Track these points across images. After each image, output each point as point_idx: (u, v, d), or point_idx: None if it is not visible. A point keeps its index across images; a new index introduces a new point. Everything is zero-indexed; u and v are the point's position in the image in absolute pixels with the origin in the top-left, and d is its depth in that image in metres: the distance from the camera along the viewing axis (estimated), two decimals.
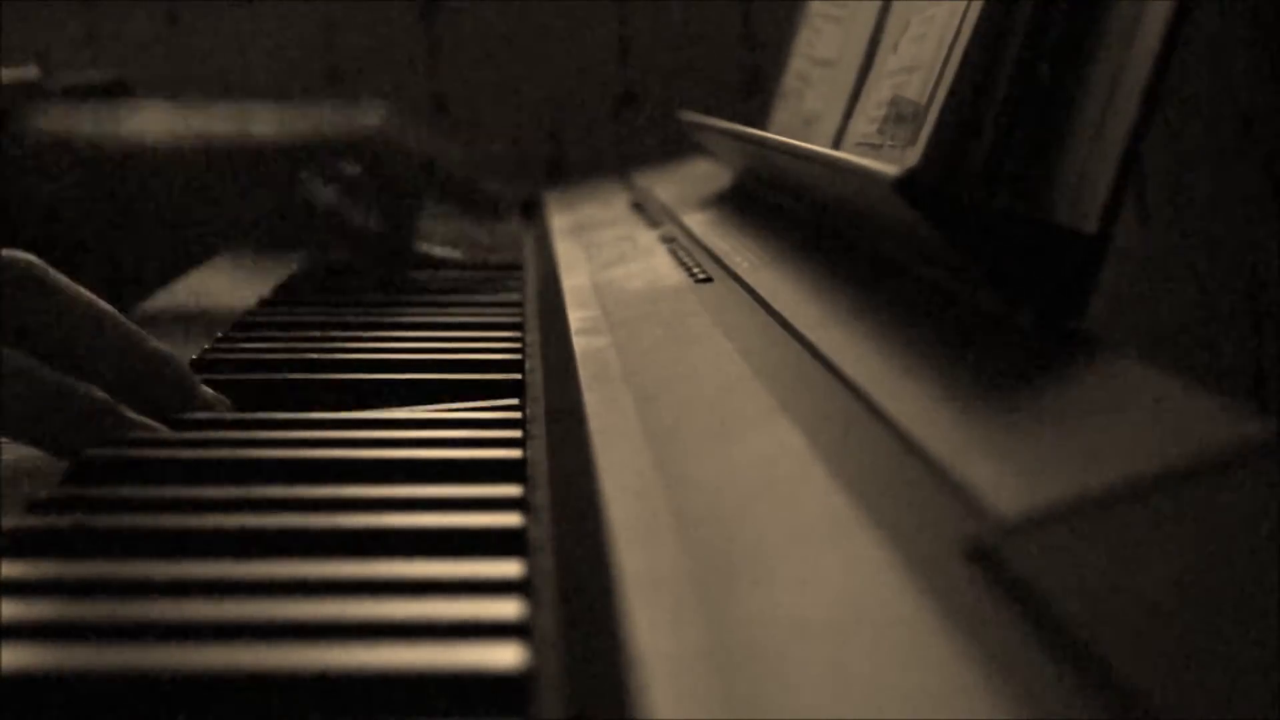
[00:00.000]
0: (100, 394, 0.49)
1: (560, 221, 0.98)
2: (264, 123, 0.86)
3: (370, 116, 0.88)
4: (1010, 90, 0.48)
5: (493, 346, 0.64)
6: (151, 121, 0.85)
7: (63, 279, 0.50)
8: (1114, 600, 0.25)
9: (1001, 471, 0.32)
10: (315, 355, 0.63)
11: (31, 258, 0.50)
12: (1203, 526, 0.27)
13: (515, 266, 0.91)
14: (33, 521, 0.41)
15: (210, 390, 0.53)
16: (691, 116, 0.92)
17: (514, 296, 0.79)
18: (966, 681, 0.24)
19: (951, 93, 0.51)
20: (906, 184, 0.43)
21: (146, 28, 1.43)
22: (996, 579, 0.27)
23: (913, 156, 0.52)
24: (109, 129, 0.84)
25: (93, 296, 0.51)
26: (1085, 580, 0.26)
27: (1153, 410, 0.33)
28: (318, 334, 0.68)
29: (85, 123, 0.84)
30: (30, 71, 0.84)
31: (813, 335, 0.47)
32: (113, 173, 0.82)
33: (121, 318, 0.51)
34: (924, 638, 0.26)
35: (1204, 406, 0.32)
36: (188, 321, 0.76)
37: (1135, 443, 0.31)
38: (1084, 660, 0.24)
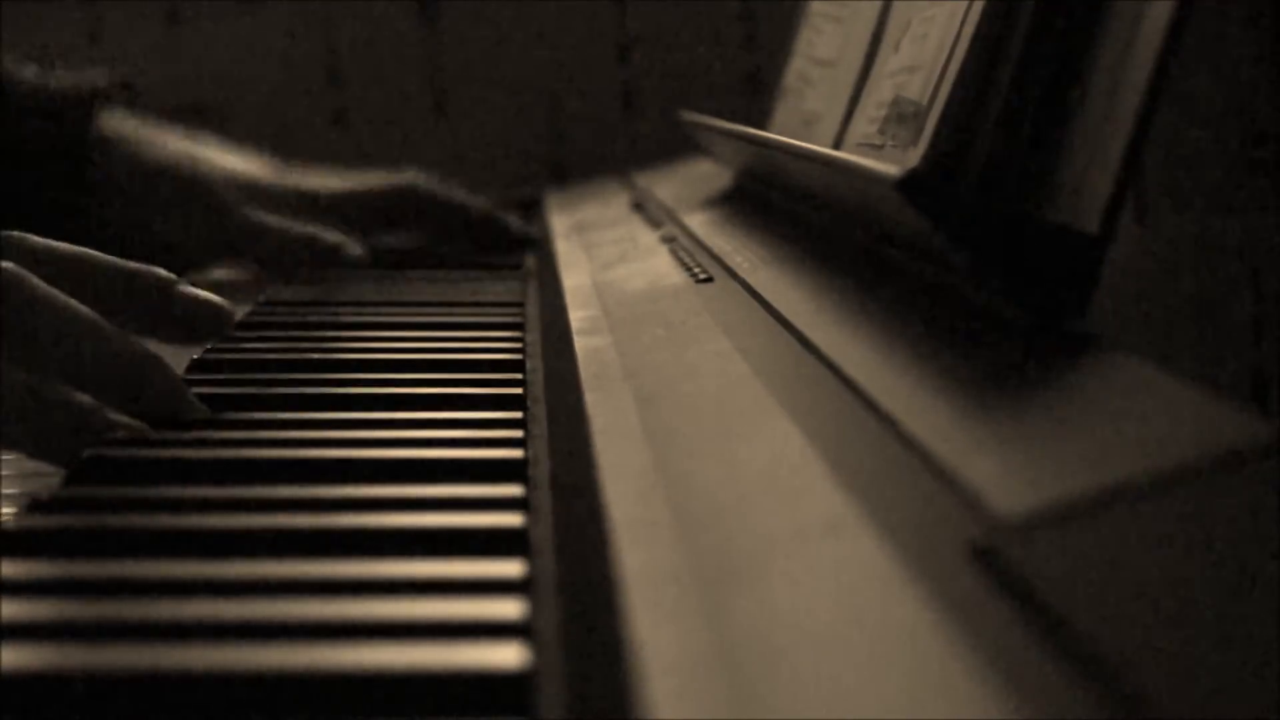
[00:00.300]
0: (83, 398, 0.48)
1: (561, 222, 0.98)
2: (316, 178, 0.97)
3: (407, 175, 0.99)
4: (1012, 90, 0.48)
5: (494, 346, 0.64)
6: (226, 160, 0.93)
7: (41, 285, 0.50)
8: (1115, 600, 0.25)
9: (1002, 471, 0.32)
10: (316, 355, 0.63)
11: (9, 265, 0.49)
12: (1203, 526, 0.27)
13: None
14: (33, 521, 0.41)
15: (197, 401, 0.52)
16: (692, 116, 0.91)
17: (515, 296, 0.79)
18: (967, 681, 0.24)
19: (953, 93, 0.51)
20: (908, 184, 0.43)
21: (146, 28, 1.43)
22: (997, 579, 0.27)
23: (914, 157, 0.52)
24: (183, 155, 0.90)
25: (76, 303, 0.50)
26: (1086, 580, 0.26)
27: (1153, 410, 0.33)
28: (319, 334, 0.68)
29: (161, 146, 0.90)
30: (100, 75, 0.88)
31: (813, 335, 0.47)
32: (185, 199, 0.89)
33: (105, 322, 0.50)
34: (925, 637, 0.26)
35: (1204, 406, 0.32)
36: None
37: (1135, 443, 0.31)
38: (1085, 660, 0.24)
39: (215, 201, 0.89)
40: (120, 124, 0.89)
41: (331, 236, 0.91)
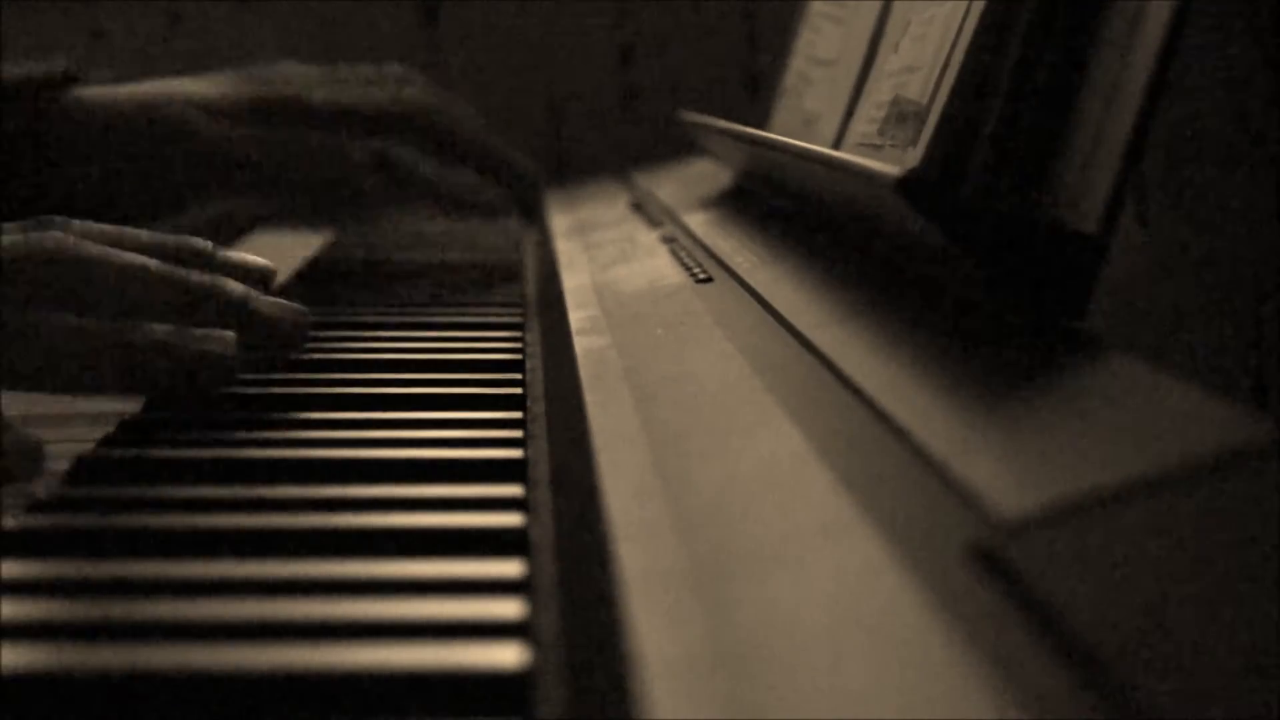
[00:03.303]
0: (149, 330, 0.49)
1: (560, 221, 0.98)
2: (311, 86, 0.88)
3: (412, 88, 0.90)
4: (1011, 90, 0.48)
5: (493, 346, 0.64)
6: (197, 83, 0.86)
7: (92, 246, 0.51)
8: (1115, 600, 0.25)
9: (1002, 472, 0.32)
10: (317, 355, 0.63)
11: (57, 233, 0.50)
12: (1203, 526, 0.27)
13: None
14: (33, 521, 0.41)
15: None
16: (692, 116, 0.92)
17: (515, 297, 0.79)
18: (967, 682, 0.24)
19: (953, 93, 0.51)
20: (908, 184, 0.43)
21: (147, 28, 1.43)
22: (997, 579, 0.27)
23: (914, 157, 0.52)
24: (153, 89, 0.85)
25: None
26: (1086, 580, 0.26)
27: (1153, 410, 0.33)
28: (319, 334, 0.68)
29: (127, 89, 0.85)
30: (59, 64, 0.86)
31: (813, 335, 0.47)
32: (158, 131, 0.84)
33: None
34: (925, 638, 0.26)
35: (1204, 406, 0.32)
36: None
37: (1135, 443, 0.31)
38: (1085, 660, 0.24)
39: (184, 132, 0.83)
40: (89, 92, 0.85)
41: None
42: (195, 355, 0.50)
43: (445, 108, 0.91)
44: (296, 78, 0.88)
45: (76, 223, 0.53)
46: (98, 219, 0.54)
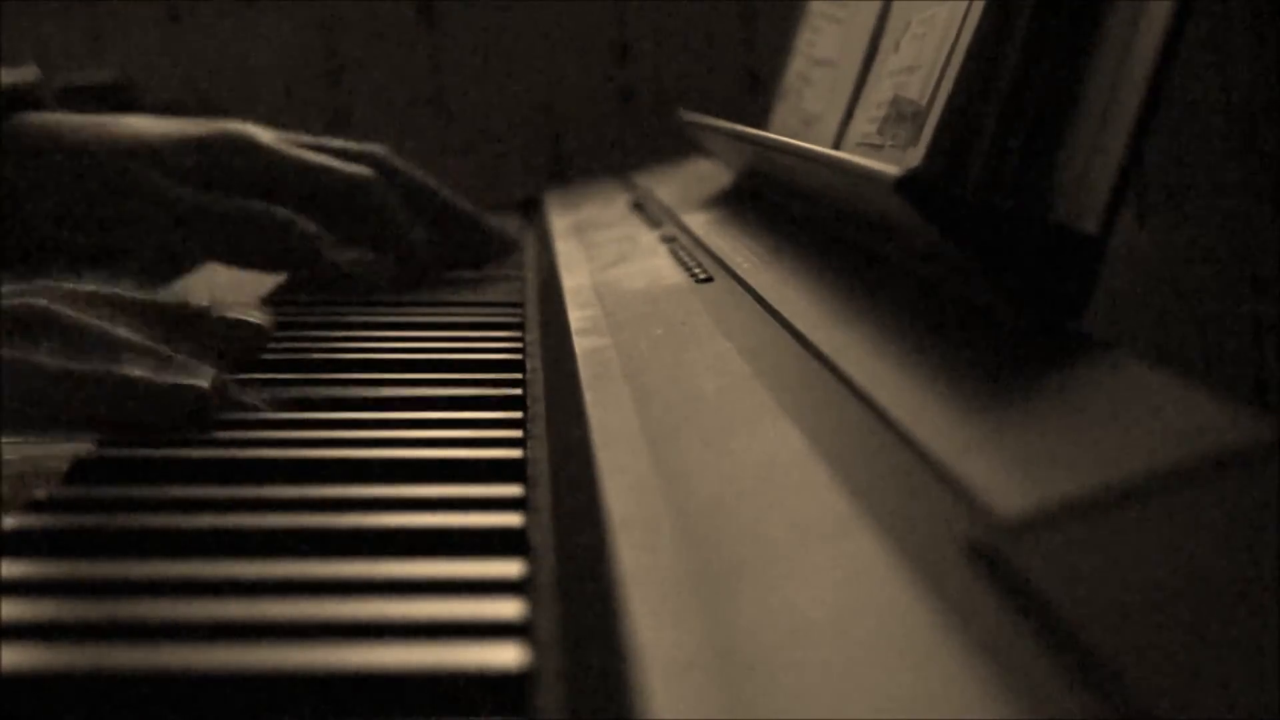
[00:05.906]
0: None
1: (560, 221, 0.98)
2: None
3: (365, 163, 0.86)
4: (1011, 90, 0.48)
5: (493, 346, 0.64)
6: (146, 123, 0.85)
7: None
8: (1114, 600, 0.25)
9: (1002, 471, 0.32)
10: (317, 356, 0.63)
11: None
12: (1203, 526, 0.27)
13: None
14: (33, 521, 0.41)
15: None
16: (691, 116, 0.91)
17: (515, 297, 0.79)
18: (967, 681, 0.24)
19: (953, 93, 0.51)
20: (908, 184, 0.43)
21: (147, 28, 1.43)
22: (997, 579, 0.27)
23: (914, 157, 0.52)
24: (101, 129, 0.83)
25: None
26: (1085, 580, 0.26)
27: (1153, 410, 0.33)
28: (318, 334, 0.68)
29: (76, 123, 0.83)
30: (29, 72, 0.84)
31: (813, 335, 0.47)
32: (104, 168, 0.81)
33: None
34: (924, 637, 0.26)
35: (1204, 406, 0.32)
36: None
37: (1135, 443, 0.31)
38: (1084, 660, 0.24)
39: (128, 182, 0.80)
40: (40, 120, 0.82)
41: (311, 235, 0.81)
42: (168, 390, 0.50)
43: (383, 192, 0.85)
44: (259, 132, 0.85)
45: (68, 286, 0.54)
46: (45, 245, 0.55)
